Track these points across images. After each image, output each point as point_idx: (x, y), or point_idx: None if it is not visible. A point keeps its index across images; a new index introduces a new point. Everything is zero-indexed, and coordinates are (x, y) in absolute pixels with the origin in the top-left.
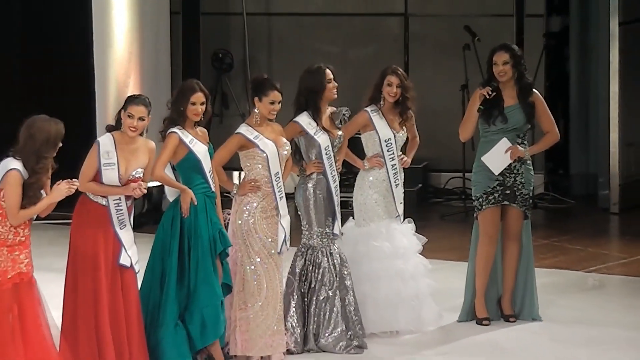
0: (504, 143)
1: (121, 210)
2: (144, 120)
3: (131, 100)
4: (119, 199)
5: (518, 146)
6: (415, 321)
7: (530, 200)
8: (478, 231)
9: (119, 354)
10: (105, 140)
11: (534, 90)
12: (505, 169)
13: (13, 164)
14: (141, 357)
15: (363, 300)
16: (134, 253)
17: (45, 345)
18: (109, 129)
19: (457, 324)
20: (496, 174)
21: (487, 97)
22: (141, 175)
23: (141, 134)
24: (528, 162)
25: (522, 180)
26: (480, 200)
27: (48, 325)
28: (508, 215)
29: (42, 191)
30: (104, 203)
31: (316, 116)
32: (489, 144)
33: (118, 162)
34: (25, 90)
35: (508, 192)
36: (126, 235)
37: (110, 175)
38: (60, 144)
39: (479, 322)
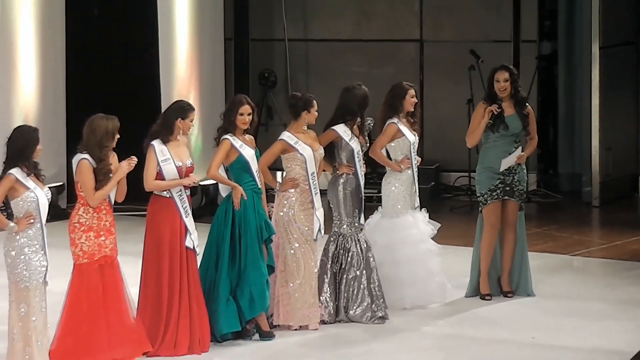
0: (518, 151)
1: (183, 199)
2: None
3: (190, 109)
4: (180, 190)
5: (524, 155)
6: (441, 294)
7: (525, 195)
8: (482, 222)
9: (192, 324)
10: (156, 142)
11: (527, 103)
12: (505, 169)
13: (82, 155)
14: (205, 326)
15: (401, 281)
16: (196, 237)
17: (124, 316)
18: (155, 135)
19: (464, 299)
20: (501, 170)
21: (495, 113)
22: (192, 164)
23: None
24: (522, 163)
25: (519, 178)
26: (485, 196)
27: (127, 300)
28: (507, 208)
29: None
30: (169, 196)
31: (352, 126)
32: (490, 149)
33: (172, 156)
34: (104, 104)
35: (508, 188)
36: (189, 222)
37: (169, 169)
38: (118, 136)
39: (483, 298)
